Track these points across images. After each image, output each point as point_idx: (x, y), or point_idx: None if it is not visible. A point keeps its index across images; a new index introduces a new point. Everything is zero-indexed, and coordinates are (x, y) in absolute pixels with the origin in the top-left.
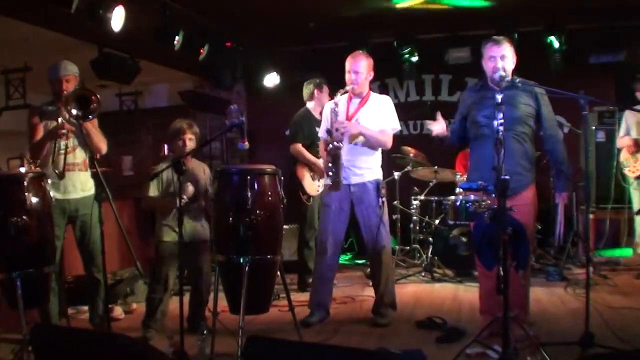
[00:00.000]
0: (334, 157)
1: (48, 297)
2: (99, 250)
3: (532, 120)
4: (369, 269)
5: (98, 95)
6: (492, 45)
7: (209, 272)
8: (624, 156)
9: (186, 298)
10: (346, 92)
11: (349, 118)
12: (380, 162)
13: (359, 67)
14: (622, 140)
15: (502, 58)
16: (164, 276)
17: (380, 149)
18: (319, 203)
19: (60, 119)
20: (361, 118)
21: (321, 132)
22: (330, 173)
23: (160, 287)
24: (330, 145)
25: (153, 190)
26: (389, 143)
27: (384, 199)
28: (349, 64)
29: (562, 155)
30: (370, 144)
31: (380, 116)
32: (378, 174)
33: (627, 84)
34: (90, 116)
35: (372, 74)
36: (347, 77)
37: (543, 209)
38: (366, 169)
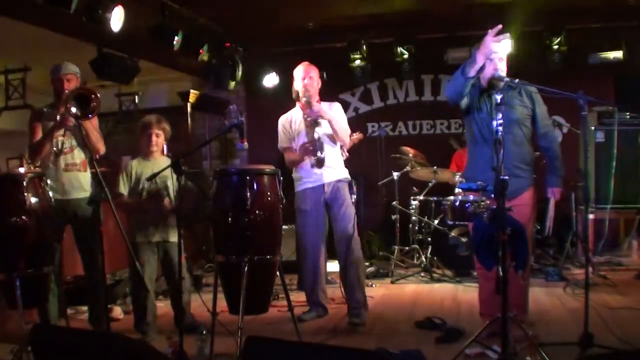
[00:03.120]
0: (312, 128)
1: (47, 297)
2: (98, 250)
3: (529, 121)
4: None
5: (98, 95)
6: None
7: (185, 272)
8: None
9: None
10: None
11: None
12: (343, 162)
13: (312, 73)
14: None
15: (500, 60)
16: (142, 279)
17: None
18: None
19: (58, 117)
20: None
21: (280, 143)
22: (312, 148)
23: (141, 290)
24: (308, 118)
25: (123, 186)
26: (347, 138)
27: (355, 196)
28: (301, 71)
29: (557, 153)
30: (334, 131)
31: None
32: (347, 173)
33: (626, 84)
34: (89, 115)
35: (320, 82)
36: (301, 83)
37: (543, 208)
38: (335, 167)
